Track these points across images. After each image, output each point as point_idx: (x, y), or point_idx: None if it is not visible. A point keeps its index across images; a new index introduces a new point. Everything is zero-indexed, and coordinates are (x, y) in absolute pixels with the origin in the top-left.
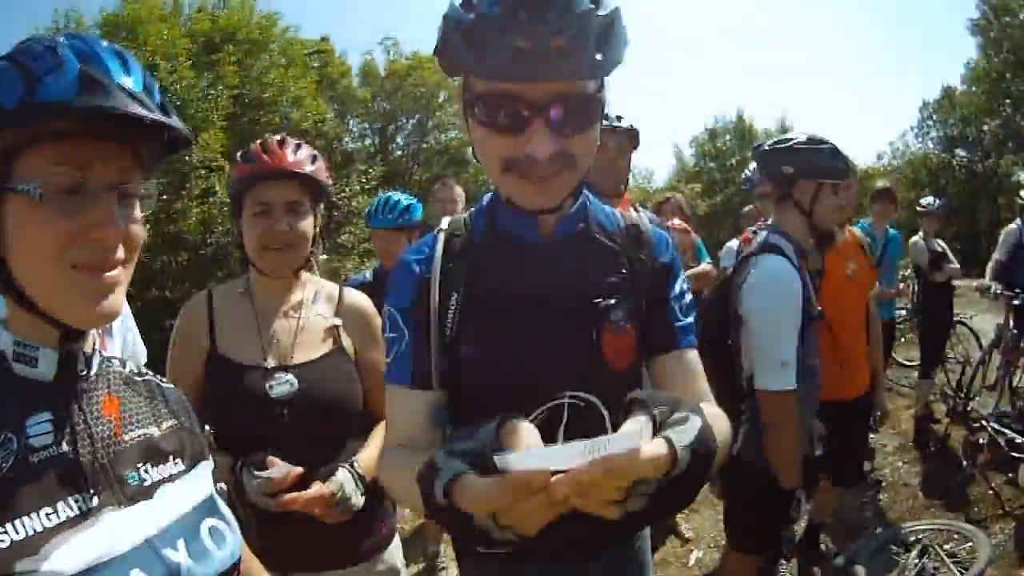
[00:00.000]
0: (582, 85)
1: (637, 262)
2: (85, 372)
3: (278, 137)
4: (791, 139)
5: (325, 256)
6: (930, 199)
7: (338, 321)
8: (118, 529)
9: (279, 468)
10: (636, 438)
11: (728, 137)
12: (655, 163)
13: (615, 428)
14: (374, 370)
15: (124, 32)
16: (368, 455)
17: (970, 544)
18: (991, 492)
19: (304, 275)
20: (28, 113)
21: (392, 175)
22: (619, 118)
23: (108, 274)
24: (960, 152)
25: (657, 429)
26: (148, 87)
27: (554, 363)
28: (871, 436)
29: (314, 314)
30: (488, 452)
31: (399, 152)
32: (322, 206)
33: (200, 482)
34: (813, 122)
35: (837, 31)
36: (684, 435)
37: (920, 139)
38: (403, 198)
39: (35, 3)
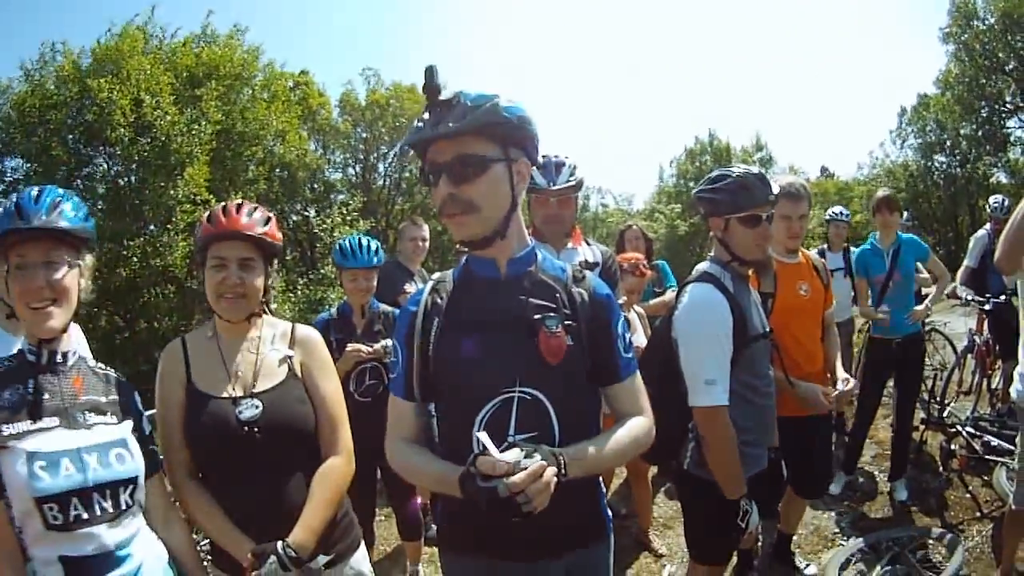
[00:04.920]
0: (473, 149)
1: (576, 295)
2: (63, 362)
3: (238, 202)
4: (706, 179)
5: (311, 288)
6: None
7: (291, 353)
8: (63, 439)
9: None
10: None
11: (707, 157)
12: (638, 185)
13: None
14: (319, 390)
15: (110, 66)
16: (306, 525)
17: (945, 549)
18: (968, 496)
19: (264, 317)
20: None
21: (374, 205)
22: (560, 158)
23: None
24: (939, 158)
25: (526, 456)
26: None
27: (505, 361)
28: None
29: (271, 349)
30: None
31: (381, 182)
32: (275, 262)
33: (120, 429)
34: (789, 137)
35: (810, 45)
36: (528, 464)
37: (900, 147)
38: (371, 240)
39: (24, 36)
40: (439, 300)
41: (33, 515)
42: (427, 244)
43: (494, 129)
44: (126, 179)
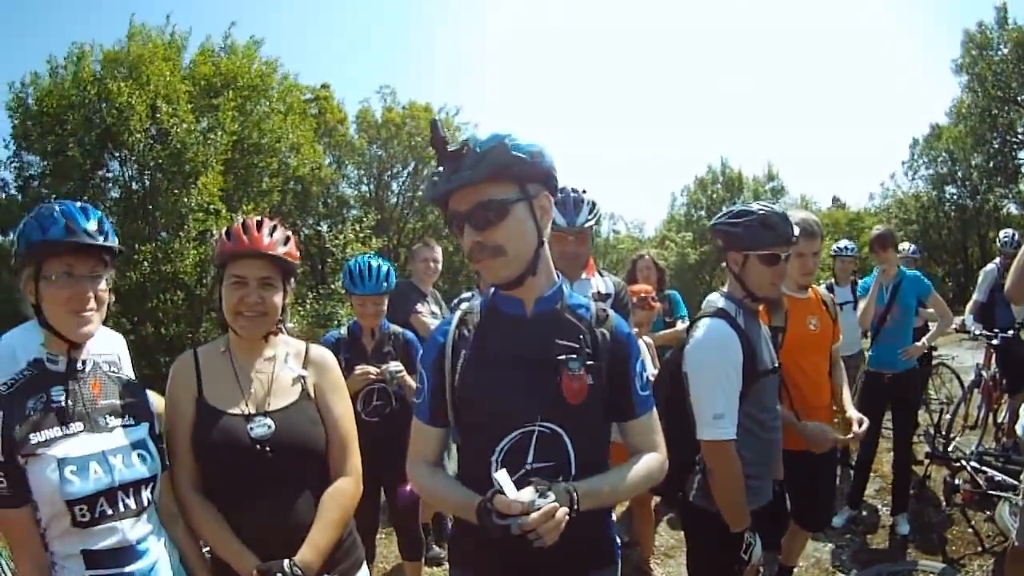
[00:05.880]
0: (491, 195)
1: (599, 335)
2: (82, 368)
3: (258, 219)
4: (728, 213)
5: (320, 303)
6: (905, 245)
7: (305, 372)
8: (89, 443)
9: None
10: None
11: (718, 186)
12: (650, 211)
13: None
14: (331, 412)
15: (127, 70)
16: (313, 545)
17: None
18: (970, 531)
19: (279, 336)
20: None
21: (386, 222)
22: (579, 194)
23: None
24: (950, 189)
25: (540, 496)
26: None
27: (529, 399)
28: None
29: (285, 368)
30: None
31: (394, 200)
32: (292, 281)
33: (139, 430)
34: (801, 166)
35: (823, 75)
36: (541, 504)
37: (911, 178)
38: (382, 263)
39: (53, 37)
40: (466, 333)
41: (63, 516)
42: (439, 265)
43: (508, 170)
44: (140, 184)
